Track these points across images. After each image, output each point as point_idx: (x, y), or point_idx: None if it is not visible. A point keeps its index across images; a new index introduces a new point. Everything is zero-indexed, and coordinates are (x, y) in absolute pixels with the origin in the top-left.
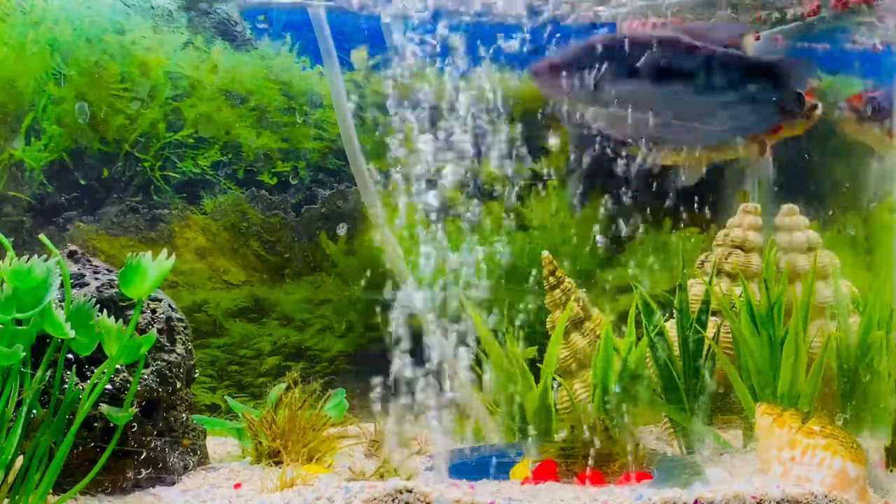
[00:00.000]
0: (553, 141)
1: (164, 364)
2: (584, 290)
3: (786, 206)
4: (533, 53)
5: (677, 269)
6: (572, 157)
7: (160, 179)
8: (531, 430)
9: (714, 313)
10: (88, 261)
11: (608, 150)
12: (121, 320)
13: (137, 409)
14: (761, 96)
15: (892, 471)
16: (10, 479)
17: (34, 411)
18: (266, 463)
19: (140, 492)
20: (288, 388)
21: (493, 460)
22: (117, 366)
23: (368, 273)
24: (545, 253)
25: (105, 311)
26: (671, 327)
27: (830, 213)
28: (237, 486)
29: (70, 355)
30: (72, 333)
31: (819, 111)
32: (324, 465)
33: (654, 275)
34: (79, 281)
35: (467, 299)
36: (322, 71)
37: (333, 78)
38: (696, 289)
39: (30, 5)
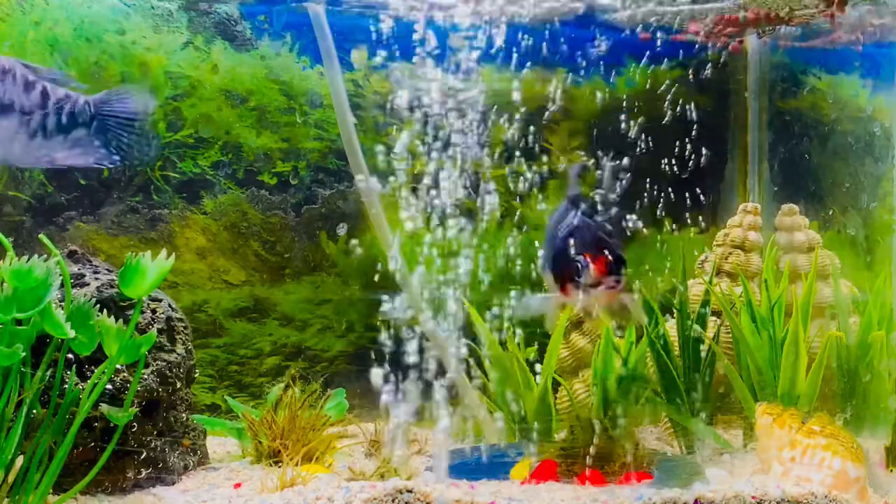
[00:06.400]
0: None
1: (164, 364)
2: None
3: (786, 206)
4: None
5: (677, 269)
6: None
7: (160, 179)
8: (531, 430)
9: (714, 313)
10: (88, 261)
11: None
12: (121, 320)
13: (137, 409)
14: None
15: (892, 471)
16: (10, 479)
17: (34, 411)
18: (266, 463)
19: (140, 492)
20: (287, 387)
21: (493, 460)
22: (117, 366)
23: (372, 271)
24: None
25: (105, 311)
26: (671, 327)
27: (830, 213)
28: (237, 486)
29: (70, 355)
30: (72, 333)
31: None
32: (324, 465)
33: (653, 274)
34: (79, 281)
35: (468, 300)
36: (322, 71)
37: (333, 78)
38: (696, 289)
39: (30, 5)
